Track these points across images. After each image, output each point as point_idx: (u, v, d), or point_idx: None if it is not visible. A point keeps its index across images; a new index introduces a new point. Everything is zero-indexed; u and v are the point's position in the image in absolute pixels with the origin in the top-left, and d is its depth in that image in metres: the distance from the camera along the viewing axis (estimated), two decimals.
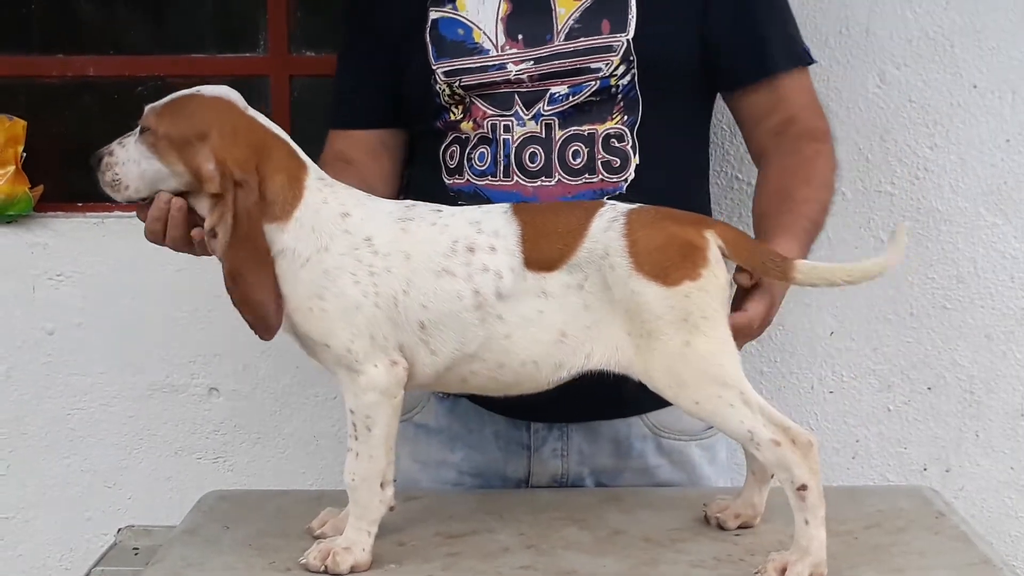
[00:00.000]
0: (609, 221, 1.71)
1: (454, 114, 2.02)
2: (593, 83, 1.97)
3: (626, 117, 1.99)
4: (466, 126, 2.01)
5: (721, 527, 1.88)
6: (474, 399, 2.08)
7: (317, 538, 1.82)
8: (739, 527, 1.88)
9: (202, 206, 1.75)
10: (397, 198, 1.93)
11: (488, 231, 1.72)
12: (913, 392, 2.55)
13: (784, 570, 1.66)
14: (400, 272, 1.71)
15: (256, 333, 1.72)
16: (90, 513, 2.65)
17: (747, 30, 2.02)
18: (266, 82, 2.65)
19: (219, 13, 2.69)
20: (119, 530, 2.18)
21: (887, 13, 2.47)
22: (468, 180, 2.01)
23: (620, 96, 1.98)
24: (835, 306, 2.52)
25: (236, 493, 2.16)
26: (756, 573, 1.69)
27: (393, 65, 2.06)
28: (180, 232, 1.76)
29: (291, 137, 1.78)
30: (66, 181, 2.62)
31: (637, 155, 1.99)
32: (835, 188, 2.04)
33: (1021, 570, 2.47)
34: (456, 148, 2.02)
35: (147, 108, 1.75)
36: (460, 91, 2.00)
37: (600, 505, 1.99)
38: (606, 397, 2.01)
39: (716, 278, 1.69)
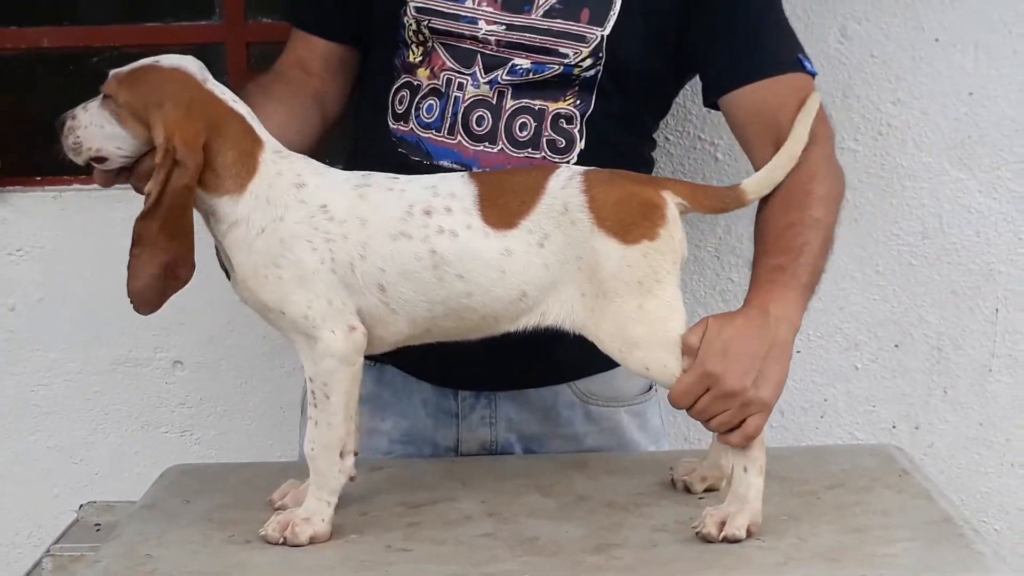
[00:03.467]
0: (567, 179, 1.72)
1: (413, 54, 1.99)
2: (556, 67, 1.94)
3: (579, 101, 1.95)
4: (422, 73, 1.98)
5: (688, 490, 1.88)
6: (401, 367, 2.07)
7: (278, 510, 1.81)
8: (705, 490, 1.87)
9: None
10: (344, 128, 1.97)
11: (444, 193, 1.73)
12: (880, 350, 2.54)
13: (724, 523, 1.68)
14: (356, 238, 1.72)
15: (132, 304, 1.73)
16: (57, 489, 2.63)
17: (738, 32, 1.93)
18: (222, 49, 2.60)
19: None
20: (80, 506, 2.17)
21: None
22: (412, 129, 1.98)
23: (578, 83, 1.95)
24: None
25: (198, 467, 2.15)
26: (694, 529, 1.70)
27: None
28: None
29: None
30: (23, 155, 2.58)
31: (583, 140, 1.96)
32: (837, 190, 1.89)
33: (990, 525, 2.49)
34: (406, 93, 2.00)
35: (111, 74, 1.76)
36: (426, 32, 1.96)
37: (566, 471, 1.98)
38: (534, 365, 2.01)
39: (672, 238, 1.70)
